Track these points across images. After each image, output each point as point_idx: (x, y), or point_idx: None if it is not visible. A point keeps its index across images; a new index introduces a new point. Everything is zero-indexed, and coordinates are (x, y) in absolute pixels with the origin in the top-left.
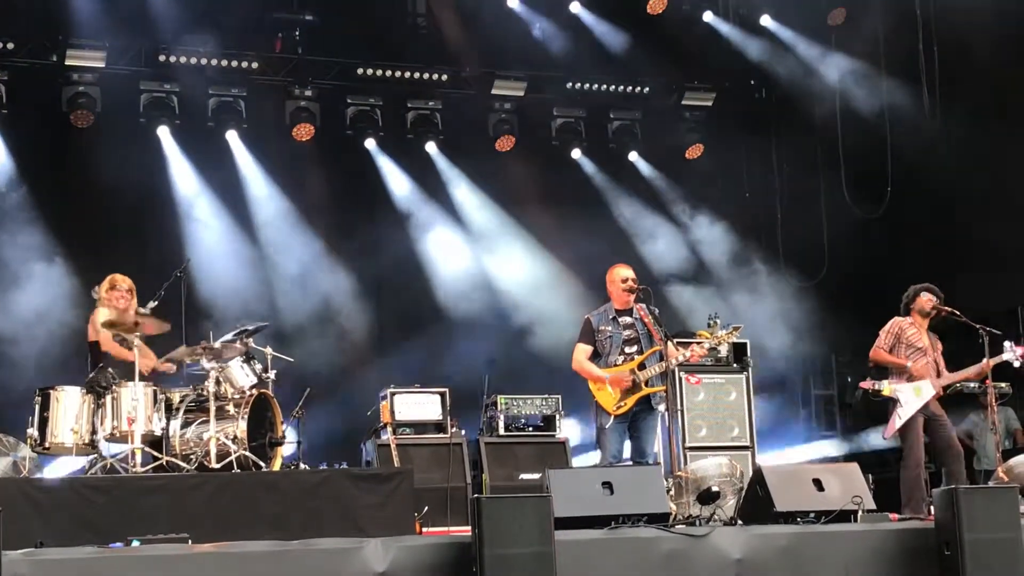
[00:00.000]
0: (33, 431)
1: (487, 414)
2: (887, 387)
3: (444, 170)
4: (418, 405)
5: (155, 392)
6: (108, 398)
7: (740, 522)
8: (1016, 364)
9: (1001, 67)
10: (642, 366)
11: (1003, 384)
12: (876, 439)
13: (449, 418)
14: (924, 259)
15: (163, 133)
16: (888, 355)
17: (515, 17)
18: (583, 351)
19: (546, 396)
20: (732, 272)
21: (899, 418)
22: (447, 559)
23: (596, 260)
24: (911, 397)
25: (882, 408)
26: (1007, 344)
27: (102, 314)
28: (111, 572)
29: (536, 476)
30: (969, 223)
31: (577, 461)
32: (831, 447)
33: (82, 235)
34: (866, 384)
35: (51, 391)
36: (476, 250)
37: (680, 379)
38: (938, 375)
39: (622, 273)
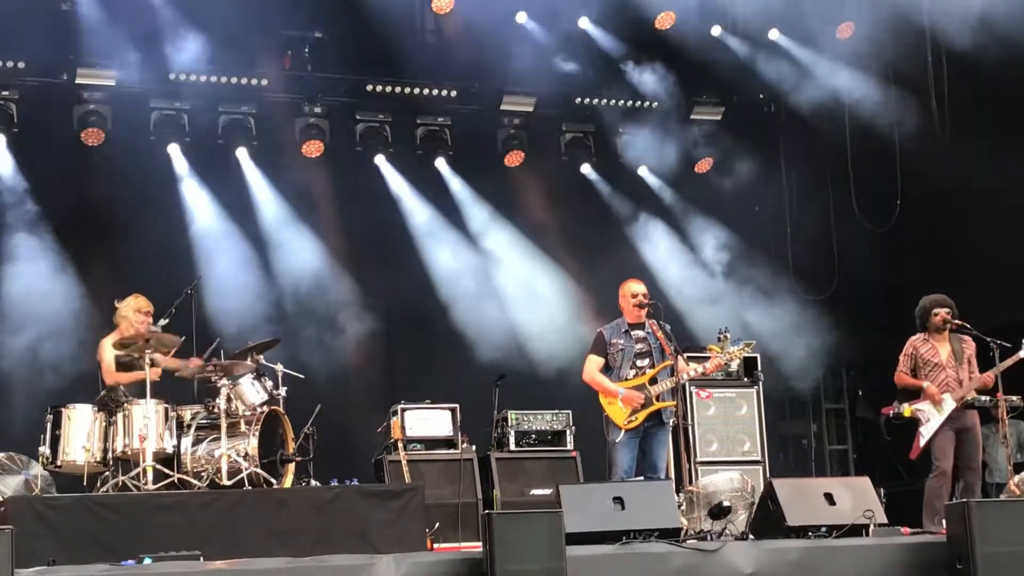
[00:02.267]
0: (45, 449)
1: (497, 429)
2: (907, 408)
3: (453, 185)
4: (428, 421)
5: (166, 409)
6: (119, 415)
7: (752, 537)
8: None
9: (1010, 80)
10: (653, 380)
11: (1015, 397)
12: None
13: (459, 434)
14: (934, 273)
15: (173, 151)
16: (907, 378)
17: (524, 33)
18: (595, 363)
19: (556, 411)
20: (741, 286)
21: (923, 436)
22: (459, 575)
23: (606, 274)
24: (932, 414)
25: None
26: None
27: (109, 343)
28: None
29: (547, 491)
30: (979, 237)
31: None
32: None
33: (93, 253)
34: (887, 410)
35: (63, 409)
36: (486, 265)
37: (691, 393)
38: (969, 379)
39: (633, 288)
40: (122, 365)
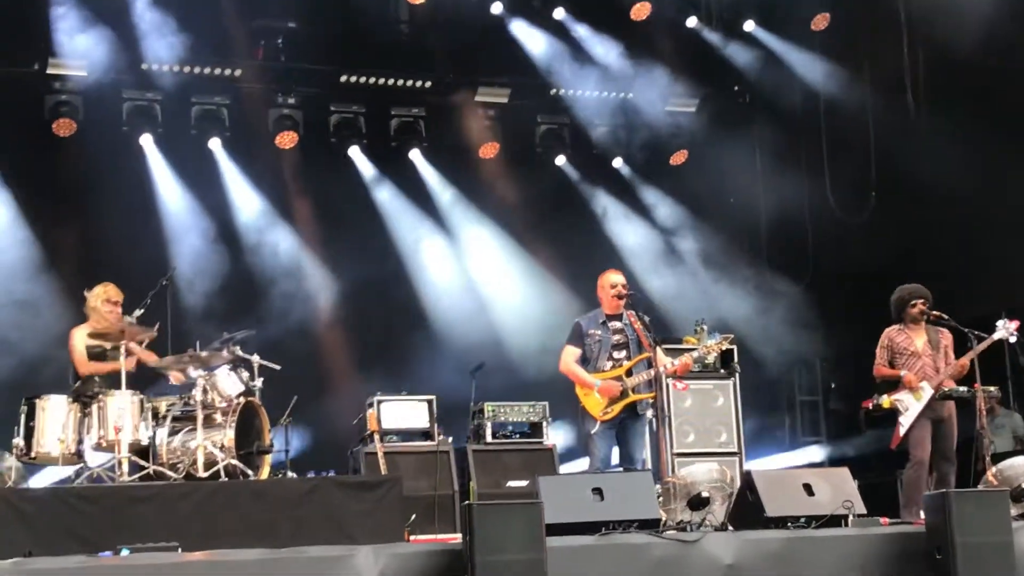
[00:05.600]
0: (19, 440)
1: (474, 421)
2: (886, 399)
3: (428, 177)
4: (405, 413)
5: (142, 401)
6: (94, 407)
7: (731, 528)
8: (1012, 340)
9: (985, 69)
10: (629, 372)
11: (992, 388)
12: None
13: (436, 426)
14: (909, 265)
15: (146, 141)
16: (885, 370)
17: (499, 24)
18: (572, 353)
19: (533, 403)
20: (716, 277)
21: (902, 426)
22: (438, 566)
23: (581, 266)
24: (911, 403)
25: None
26: (1000, 323)
27: (81, 333)
28: None
29: (523, 483)
30: (954, 227)
31: (564, 468)
32: (816, 452)
33: (66, 244)
34: (866, 403)
35: (37, 400)
36: (460, 256)
37: (667, 385)
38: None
39: (612, 279)
40: (94, 355)
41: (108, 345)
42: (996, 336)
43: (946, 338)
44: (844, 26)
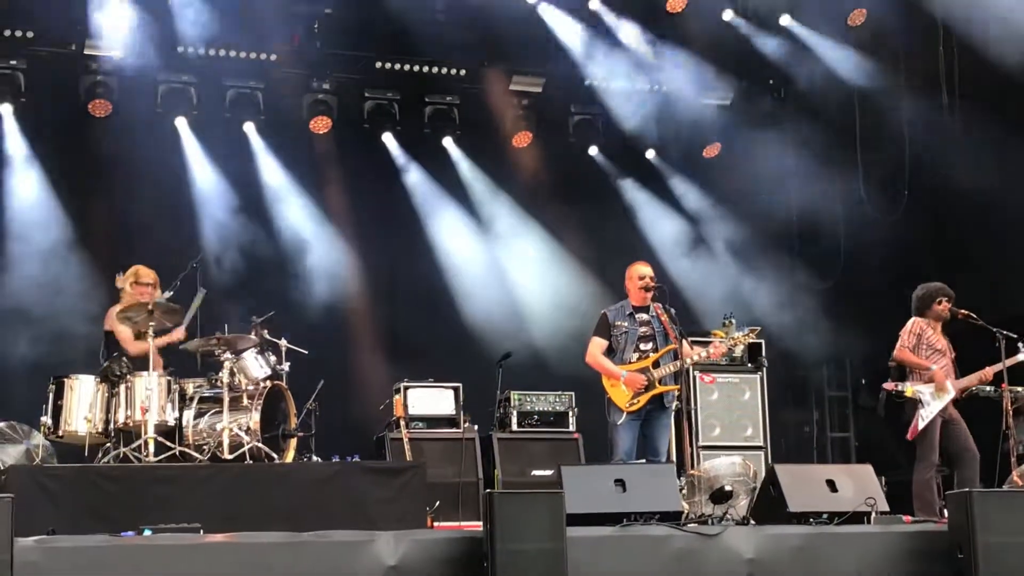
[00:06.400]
0: (47, 419)
1: (500, 410)
2: (909, 388)
3: (460, 165)
4: (431, 399)
5: (169, 382)
6: (122, 387)
7: (753, 522)
8: None
9: (1021, 71)
10: (656, 364)
11: (1020, 388)
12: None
13: (462, 413)
14: (940, 262)
15: (180, 124)
16: (912, 355)
17: (534, 13)
18: (598, 345)
19: (559, 392)
20: (747, 272)
21: (922, 419)
22: (458, 553)
23: (611, 257)
24: (932, 400)
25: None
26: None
27: (117, 311)
28: (123, 561)
29: (548, 472)
30: (985, 226)
31: None
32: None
33: (99, 224)
34: (888, 386)
35: (65, 379)
36: (491, 245)
37: (694, 378)
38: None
39: (640, 270)
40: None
41: (137, 327)
42: (1020, 358)
43: (952, 351)
44: (880, 22)
